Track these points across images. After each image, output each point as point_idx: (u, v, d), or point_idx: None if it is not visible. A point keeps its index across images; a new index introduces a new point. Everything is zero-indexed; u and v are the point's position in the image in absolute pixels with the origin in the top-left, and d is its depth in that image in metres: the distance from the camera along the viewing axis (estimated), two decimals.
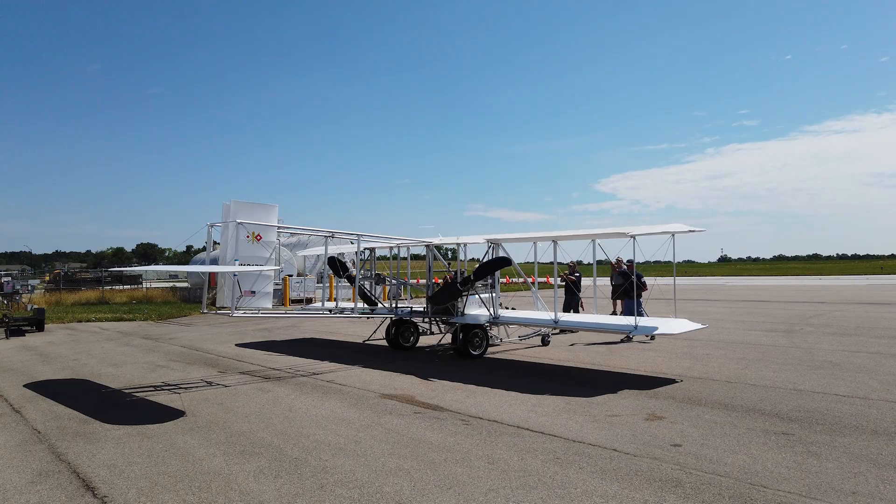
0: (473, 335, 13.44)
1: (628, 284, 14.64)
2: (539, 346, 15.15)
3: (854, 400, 8.93)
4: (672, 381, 10.54)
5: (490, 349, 14.33)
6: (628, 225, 11.16)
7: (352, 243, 14.84)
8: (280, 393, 10.17)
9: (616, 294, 19.19)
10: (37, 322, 22.96)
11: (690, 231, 10.68)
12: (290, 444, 7.18)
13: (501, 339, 15.24)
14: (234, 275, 10.97)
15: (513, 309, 15.43)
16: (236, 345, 16.89)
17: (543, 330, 14.92)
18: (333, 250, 15.74)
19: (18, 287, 35.50)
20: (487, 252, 13.65)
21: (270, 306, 11.75)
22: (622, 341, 15.35)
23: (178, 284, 41.28)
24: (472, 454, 6.71)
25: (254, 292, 11.48)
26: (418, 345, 15.51)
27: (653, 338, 15.26)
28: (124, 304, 35.07)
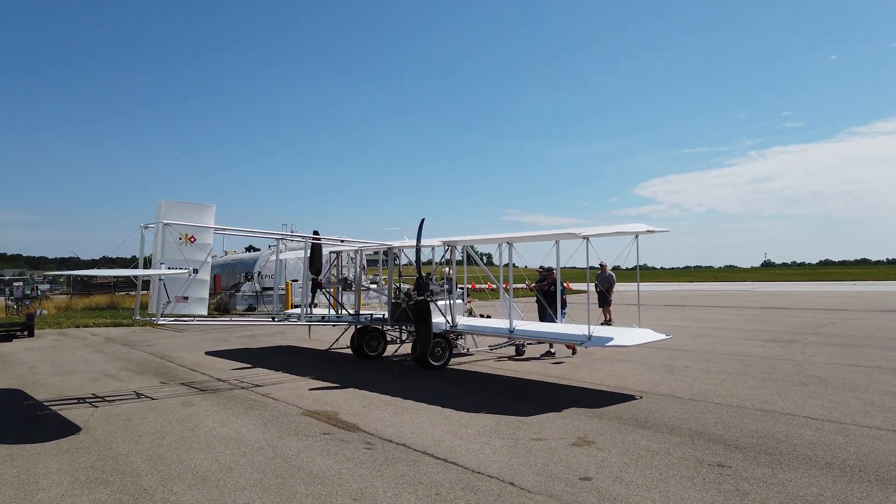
0: (435, 345, 12.53)
1: (552, 292, 13.41)
2: (513, 355, 14.15)
3: (823, 424, 7.80)
4: (631, 398, 9.52)
5: (458, 359, 13.42)
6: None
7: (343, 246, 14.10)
8: (201, 408, 9.43)
9: (601, 301, 18.11)
10: (27, 327, 22.71)
11: (650, 231, 9.61)
12: (155, 471, 6.42)
13: (468, 349, 14.30)
14: (161, 279, 10.28)
15: (487, 317, 14.50)
16: (206, 353, 16.30)
17: (518, 339, 13.92)
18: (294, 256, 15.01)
19: (28, 291, 35.81)
20: (444, 255, 12.76)
21: (205, 313, 11.02)
22: (543, 355, 14.09)
23: None
24: (344, 488, 5.86)
25: (186, 298, 10.78)
26: (386, 354, 14.66)
27: (574, 352, 14.06)
28: (132, 309, 35.00)
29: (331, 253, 15.25)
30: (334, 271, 14.81)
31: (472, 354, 14.34)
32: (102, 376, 12.76)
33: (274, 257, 26.61)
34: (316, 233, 14.34)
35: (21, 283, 38.21)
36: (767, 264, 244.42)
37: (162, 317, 10.43)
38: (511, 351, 14.47)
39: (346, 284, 14.85)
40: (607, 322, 18.74)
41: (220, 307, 33.55)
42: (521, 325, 11.61)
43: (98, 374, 13.11)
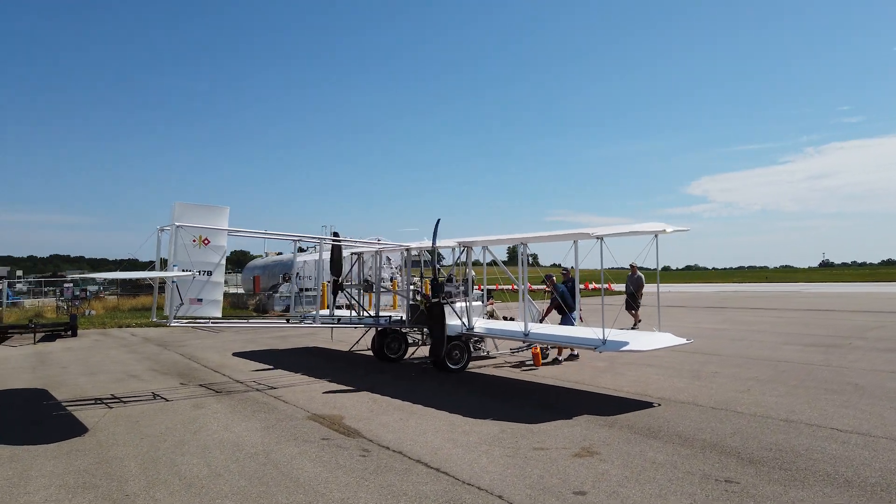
0: (452, 347, 12.28)
1: (564, 294, 12.91)
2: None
3: (850, 436, 7.27)
4: (648, 406, 9.10)
5: (477, 362, 13.14)
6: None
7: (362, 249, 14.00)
8: (210, 410, 9.41)
9: (627, 304, 17.56)
10: (71, 327, 23.32)
11: (667, 231, 9.15)
12: (144, 476, 6.38)
13: (489, 352, 13.98)
14: (173, 281, 10.31)
15: (510, 319, 14.19)
16: (233, 354, 16.39)
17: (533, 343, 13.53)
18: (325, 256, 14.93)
19: (77, 293, 36.97)
20: (459, 256, 12.50)
21: (220, 315, 11.01)
22: (554, 362, 13.44)
23: (229, 290, 41.75)
24: (326, 498, 5.70)
25: (200, 300, 10.78)
26: (407, 356, 14.48)
27: (574, 357, 13.50)
28: (127, 311, 35.64)
29: (352, 254, 15.17)
30: (357, 273, 14.72)
31: (493, 357, 14.04)
32: (127, 377, 12.92)
33: (309, 258, 26.79)
34: (336, 234, 14.27)
35: (71, 285, 39.54)
36: (826, 264, 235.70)
37: (175, 319, 10.44)
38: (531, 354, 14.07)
39: (367, 286, 14.74)
40: (634, 326, 18.20)
41: (260, 308, 33.98)
42: (537, 328, 11.26)
43: (124, 374, 13.29)
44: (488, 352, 14.03)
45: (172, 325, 10.40)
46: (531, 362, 12.89)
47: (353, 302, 14.05)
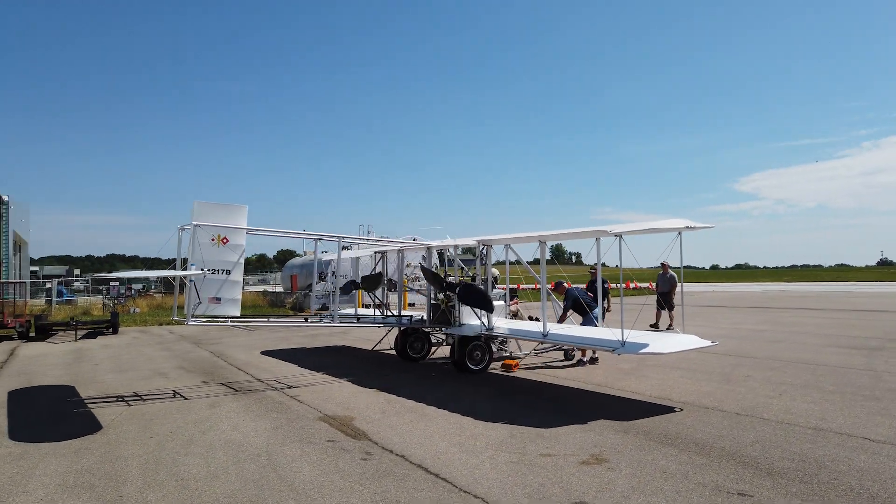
0: (474, 348, 12.05)
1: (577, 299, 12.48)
2: (562, 360, 13.42)
3: (882, 447, 6.81)
4: (670, 410, 8.73)
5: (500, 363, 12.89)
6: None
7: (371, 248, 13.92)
8: (224, 410, 9.40)
9: (660, 304, 17.03)
10: (112, 325, 23.86)
11: (690, 227, 8.74)
12: (142, 477, 6.38)
13: (511, 353, 13.69)
14: (191, 280, 10.34)
15: (535, 319, 13.87)
16: (262, 352, 16.46)
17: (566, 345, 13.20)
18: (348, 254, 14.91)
19: (123, 291, 37.92)
20: (480, 254, 12.25)
21: (238, 313, 11.01)
22: (578, 363, 12.98)
23: (269, 288, 42.32)
24: (318, 503, 5.52)
25: (219, 299, 10.80)
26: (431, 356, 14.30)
27: (594, 361, 12.99)
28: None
29: (375, 253, 15.08)
30: (382, 271, 14.61)
31: (521, 358, 13.74)
32: (154, 374, 13.08)
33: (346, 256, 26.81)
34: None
35: (117, 283, 40.55)
36: (884, 262, 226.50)
37: (193, 318, 10.47)
38: (557, 355, 13.74)
39: (391, 285, 14.63)
40: (656, 326, 17.67)
41: (297, 307, 34.31)
42: (556, 328, 10.94)
43: (151, 372, 13.45)
44: (511, 352, 13.74)
45: (190, 324, 10.43)
46: (567, 361, 12.68)
47: (376, 301, 13.93)
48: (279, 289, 42.12)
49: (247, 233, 11.13)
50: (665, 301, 17.58)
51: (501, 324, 11.92)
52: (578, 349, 12.92)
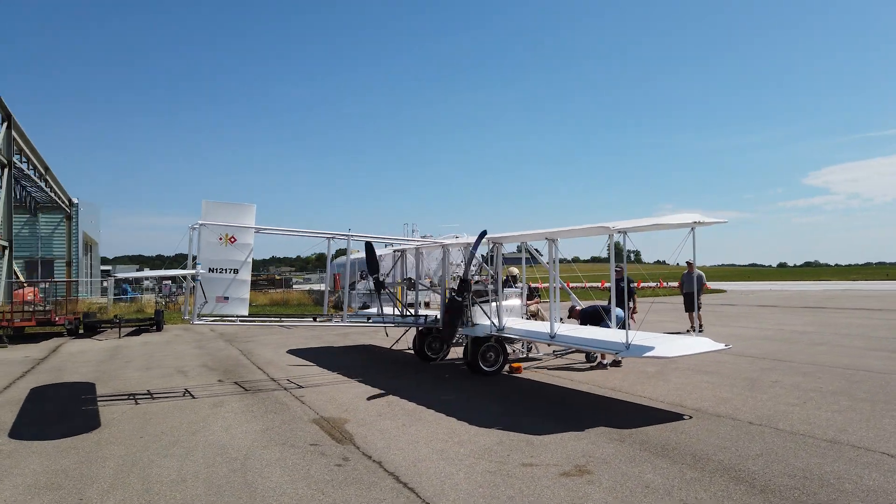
0: (487, 349, 11.71)
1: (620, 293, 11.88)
2: (584, 362, 12.90)
3: None
4: (678, 418, 8.21)
5: (523, 363, 12.51)
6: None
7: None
8: (224, 410, 9.37)
9: (689, 306, 16.23)
10: (156, 323, 24.40)
11: (698, 223, 8.17)
12: (112, 479, 6.35)
13: (527, 353, 13.26)
14: (196, 279, 10.34)
15: (559, 320, 13.40)
16: (287, 351, 16.51)
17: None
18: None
19: (174, 290, 38.98)
20: (489, 252, 11.89)
21: (246, 313, 10.97)
22: (598, 366, 12.35)
23: (315, 287, 42.77)
24: None
25: (227, 298, 10.78)
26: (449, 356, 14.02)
27: (617, 363, 12.31)
28: (264, 306, 36.98)
29: (395, 251, 14.88)
30: (402, 270, 14.42)
31: (541, 360, 13.32)
32: (176, 372, 13.22)
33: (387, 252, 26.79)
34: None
35: (169, 282, 41.78)
36: None
37: (199, 317, 10.48)
38: (582, 357, 13.23)
39: (410, 284, 14.41)
40: (692, 329, 16.84)
41: (338, 305, 34.54)
42: (564, 329, 10.47)
43: (174, 369, 13.61)
44: (527, 353, 13.33)
45: (195, 323, 10.44)
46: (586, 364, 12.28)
47: (395, 300, 13.72)
48: (323, 287, 42.49)
49: (256, 231, 11.08)
50: (692, 302, 16.76)
51: (513, 324, 11.52)
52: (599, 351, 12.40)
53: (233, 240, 10.85)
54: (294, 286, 49.46)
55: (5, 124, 30.59)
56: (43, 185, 42.23)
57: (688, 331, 16.64)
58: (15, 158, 33.64)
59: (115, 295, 40.68)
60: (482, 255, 13.20)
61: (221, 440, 7.63)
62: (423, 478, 6.10)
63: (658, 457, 6.58)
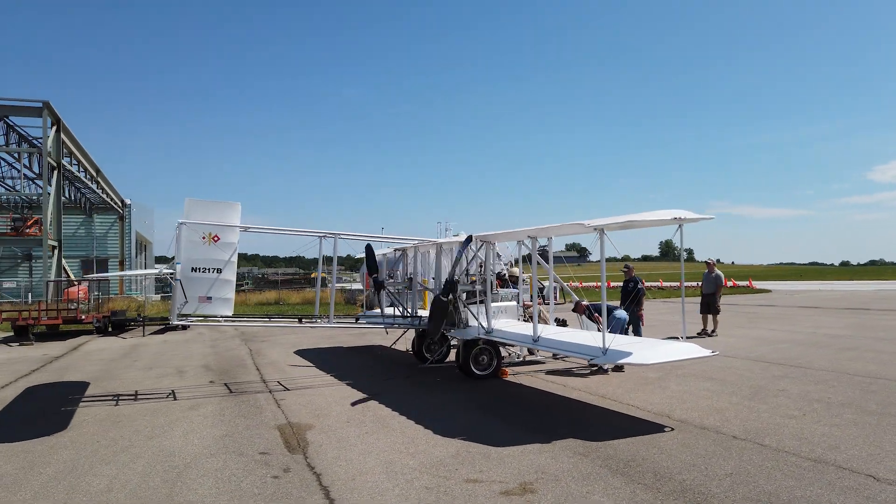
0: (480, 352, 11.26)
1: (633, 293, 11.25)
2: (585, 366, 12.29)
3: (886, 489, 5.53)
4: (658, 430, 7.63)
5: (522, 367, 12.03)
6: None
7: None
8: (197, 413, 9.22)
9: (705, 308, 15.37)
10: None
11: (678, 219, 7.55)
12: (38, 487, 6.22)
13: (524, 357, 12.71)
14: (177, 279, 10.20)
15: (563, 321, 12.85)
16: (295, 351, 16.35)
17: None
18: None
19: None
20: (477, 251, 11.40)
21: (230, 313, 10.79)
22: (599, 370, 11.69)
23: (346, 286, 42.77)
24: None
25: (210, 298, 10.61)
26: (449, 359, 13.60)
27: (619, 369, 11.59)
28: (296, 305, 37.15)
29: (395, 251, 14.54)
30: (403, 270, 14.07)
31: (543, 363, 12.78)
32: (174, 372, 13.17)
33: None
34: (382, 229, 13.68)
35: None
36: None
37: (179, 318, 10.33)
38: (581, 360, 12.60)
39: (410, 284, 14.05)
40: (704, 332, 15.99)
41: (368, 304, 34.42)
42: (548, 332, 9.90)
43: (174, 369, 13.57)
44: (523, 357, 12.77)
45: (175, 323, 10.29)
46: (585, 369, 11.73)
47: (395, 300, 13.38)
48: (358, 286, 42.51)
49: (243, 230, 10.90)
50: (710, 304, 15.87)
51: (505, 326, 11.02)
52: None
53: (216, 239, 10.68)
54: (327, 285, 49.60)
55: (54, 128, 31.75)
56: (94, 186, 43.74)
57: (699, 334, 15.82)
58: (65, 161, 34.99)
59: (165, 293, 41.60)
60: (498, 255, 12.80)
61: (174, 447, 7.41)
62: (354, 494, 5.73)
63: (616, 474, 6.05)
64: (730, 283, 50.84)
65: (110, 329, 23.17)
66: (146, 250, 54.08)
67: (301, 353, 16.03)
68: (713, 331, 15.95)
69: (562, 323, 12.75)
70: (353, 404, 9.57)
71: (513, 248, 13.73)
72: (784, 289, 47.56)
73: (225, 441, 7.60)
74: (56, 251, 33.06)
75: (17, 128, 34.39)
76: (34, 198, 42.36)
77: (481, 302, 11.43)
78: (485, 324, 10.82)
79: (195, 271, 10.53)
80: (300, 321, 11.99)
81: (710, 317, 15.87)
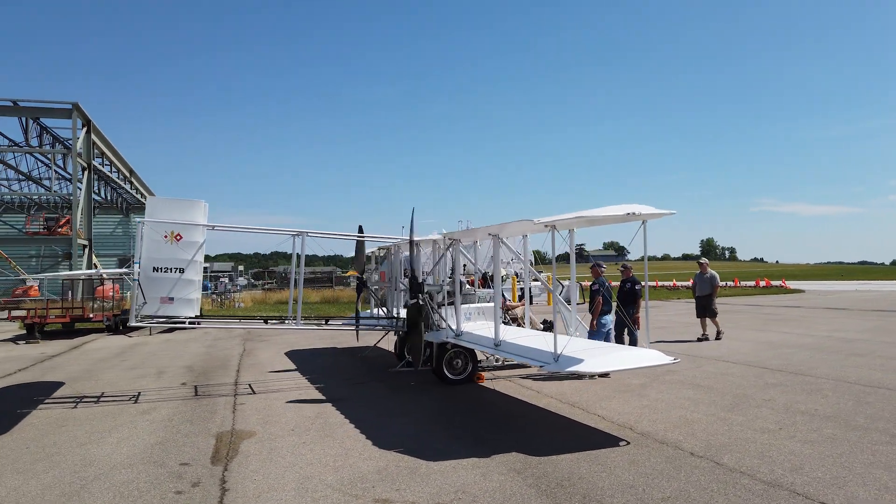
0: (454, 355, 10.76)
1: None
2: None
3: None
4: (614, 444, 7.04)
5: (503, 371, 11.52)
6: None
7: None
8: (147, 418, 8.96)
9: (701, 311, 14.56)
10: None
11: (631, 214, 6.92)
12: None
13: (503, 361, 12.11)
14: (135, 279, 9.93)
15: (549, 323, 12.24)
16: (285, 353, 16.04)
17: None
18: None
19: (230, 286, 39.69)
20: (447, 250, 10.89)
21: (193, 314, 10.48)
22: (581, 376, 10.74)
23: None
24: None
25: (172, 299, 10.32)
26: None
27: (606, 374, 10.79)
28: (314, 304, 37.11)
29: (379, 249, 14.12)
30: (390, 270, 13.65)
31: (529, 367, 12.18)
32: (154, 373, 13.00)
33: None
34: (360, 229, 13.33)
35: (226, 280, 42.72)
36: None
37: (139, 319, 10.06)
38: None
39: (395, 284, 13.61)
40: (705, 336, 15.16)
41: (383, 301, 34.14)
42: (511, 336, 9.31)
43: (156, 370, 13.40)
44: (503, 361, 12.15)
45: (135, 324, 10.02)
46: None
47: (377, 301, 12.96)
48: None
49: (206, 229, 10.59)
50: (706, 306, 15.01)
51: (479, 328, 10.50)
52: None
53: (178, 237, 10.39)
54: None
55: (84, 129, 32.25)
56: (128, 187, 44.43)
57: (699, 338, 15.00)
58: (96, 162, 35.56)
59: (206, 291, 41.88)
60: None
61: (98, 455, 7.10)
62: None
63: (542, 495, 5.51)
64: (762, 283, 49.27)
65: (121, 328, 23.29)
66: None
67: (291, 353, 15.72)
68: (718, 333, 15.12)
69: (549, 325, 12.15)
70: (304, 409, 9.19)
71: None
72: (820, 289, 45.71)
73: (154, 450, 7.27)
74: (87, 250, 33.57)
75: (49, 129, 35.04)
76: (67, 198, 43.26)
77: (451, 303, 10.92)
78: (454, 326, 10.31)
79: (157, 271, 10.26)
80: (266, 322, 11.62)
81: (707, 320, 15.06)
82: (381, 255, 14.40)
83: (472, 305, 11.31)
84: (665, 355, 7.42)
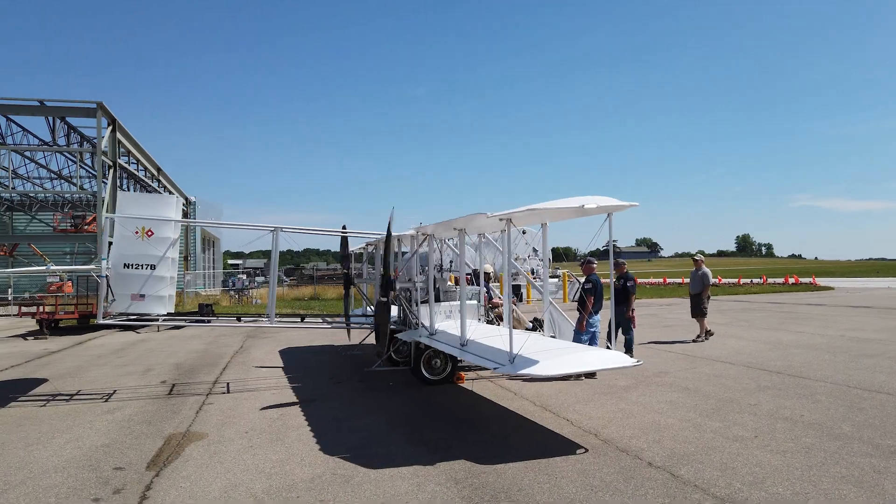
0: (433, 354, 10.39)
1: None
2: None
3: None
4: (572, 452, 6.63)
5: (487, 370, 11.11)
6: None
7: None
8: (108, 418, 8.79)
9: (695, 310, 13.89)
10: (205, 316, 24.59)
11: (595, 207, 6.46)
12: None
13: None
14: (102, 276, 9.76)
15: (537, 322, 11.81)
16: (280, 350, 15.84)
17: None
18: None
19: (247, 283, 39.79)
20: (421, 244, 10.51)
21: (164, 311, 10.28)
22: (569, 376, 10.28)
23: None
24: None
25: (143, 296, 10.14)
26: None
27: (591, 375, 10.32)
28: (332, 300, 37.07)
29: (367, 245, 13.80)
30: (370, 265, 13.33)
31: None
32: (142, 371, 12.89)
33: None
34: (344, 227, 13.02)
35: (244, 276, 42.82)
36: None
37: (106, 317, 9.89)
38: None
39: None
40: (700, 337, 14.49)
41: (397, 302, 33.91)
42: (478, 336, 8.85)
43: (144, 367, 13.30)
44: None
45: (101, 322, 9.86)
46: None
47: (366, 299, 12.66)
48: None
49: (179, 224, 10.40)
50: (697, 304, 14.33)
51: (447, 327, 10.10)
52: None
53: (150, 233, 10.20)
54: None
55: (110, 128, 32.49)
56: (156, 185, 44.84)
57: (695, 339, 14.36)
58: (122, 161, 35.85)
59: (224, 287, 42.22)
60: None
61: (39, 458, 6.92)
62: None
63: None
64: (791, 280, 47.84)
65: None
66: (214, 246, 54.94)
67: (283, 351, 15.52)
68: (707, 333, 14.44)
69: (540, 323, 11.72)
70: (267, 411, 8.92)
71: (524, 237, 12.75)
72: (851, 286, 44.21)
73: (97, 452, 7.05)
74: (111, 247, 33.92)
75: (76, 128, 35.40)
76: (93, 196, 43.88)
77: (437, 300, 10.57)
78: (428, 324, 9.94)
79: (127, 267, 10.08)
80: (238, 320, 11.39)
81: (698, 319, 14.42)
82: (371, 251, 14.05)
83: (453, 303, 10.92)
84: (627, 357, 6.96)
